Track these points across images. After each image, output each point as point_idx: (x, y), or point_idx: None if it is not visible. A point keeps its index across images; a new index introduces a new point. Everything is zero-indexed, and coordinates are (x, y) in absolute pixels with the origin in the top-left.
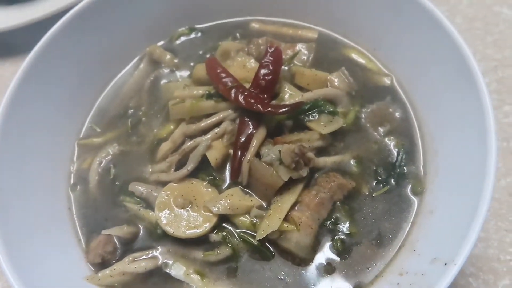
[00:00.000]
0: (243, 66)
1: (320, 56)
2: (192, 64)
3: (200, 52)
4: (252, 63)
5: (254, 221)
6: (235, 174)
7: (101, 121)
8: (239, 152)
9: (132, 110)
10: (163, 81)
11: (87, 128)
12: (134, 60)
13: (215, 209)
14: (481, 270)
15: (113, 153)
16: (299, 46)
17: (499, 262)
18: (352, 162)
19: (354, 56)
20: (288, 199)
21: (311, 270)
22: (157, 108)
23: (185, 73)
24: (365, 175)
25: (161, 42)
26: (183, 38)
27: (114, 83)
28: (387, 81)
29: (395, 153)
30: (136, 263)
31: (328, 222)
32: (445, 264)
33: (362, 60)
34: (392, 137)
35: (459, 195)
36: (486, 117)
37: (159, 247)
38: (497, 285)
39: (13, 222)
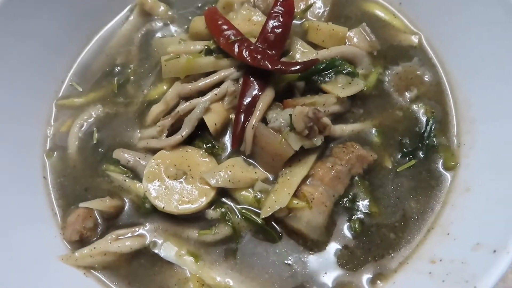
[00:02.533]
0: (248, 20)
1: (337, 10)
2: (189, 17)
3: (199, 5)
4: (259, 16)
5: (259, 196)
6: (237, 141)
7: (83, 79)
8: (242, 117)
9: (119, 68)
10: (155, 36)
11: (67, 87)
12: (124, 11)
13: (213, 182)
14: None
15: (97, 116)
16: None
17: None
18: (373, 131)
19: (377, 11)
20: (298, 172)
21: (324, 254)
22: (148, 66)
23: (180, 28)
24: (388, 146)
25: None
26: None
27: (99, 37)
28: (414, 40)
29: (424, 122)
30: (120, 242)
31: (345, 199)
32: (494, 251)
33: (385, 16)
34: (420, 104)
35: (502, 170)
36: None
37: (147, 224)
38: None
39: None
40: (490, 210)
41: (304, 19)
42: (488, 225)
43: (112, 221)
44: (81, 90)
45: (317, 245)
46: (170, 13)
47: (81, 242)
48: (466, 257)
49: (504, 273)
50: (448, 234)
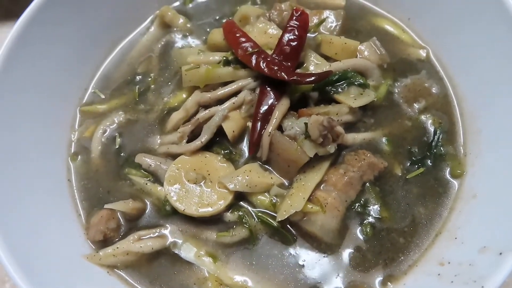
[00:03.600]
0: (264, 33)
1: (348, 25)
2: (207, 29)
3: (216, 17)
4: (274, 30)
5: (274, 200)
6: (254, 148)
7: (106, 86)
8: (259, 124)
9: (140, 76)
10: (175, 47)
11: (91, 94)
12: (145, 23)
13: (231, 186)
14: None
15: (119, 122)
16: (326, 13)
17: None
18: (383, 140)
19: (386, 26)
20: (312, 178)
21: (337, 257)
22: (167, 75)
23: (199, 39)
24: (398, 154)
25: (175, 4)
26: (197, 1)
27: (121, 47)
28: (422, 53)
29: (432, 132)
30: (142, 242)
31: (357, 204)
32: (500, 253)
33: (394, 31)
34: (428, 114)
35: (507, 179)
36: None
37: (167, 226)
38: None
39: (7, 194)
40: (495, 215)
41: (317, 33)
42: (494, 229)
43: (134, 223)
44: (104, 97)
45: (330, 248)
46: (189, 25)
47: (105, 242)
48: (473, 259)
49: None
50: (456, 238)
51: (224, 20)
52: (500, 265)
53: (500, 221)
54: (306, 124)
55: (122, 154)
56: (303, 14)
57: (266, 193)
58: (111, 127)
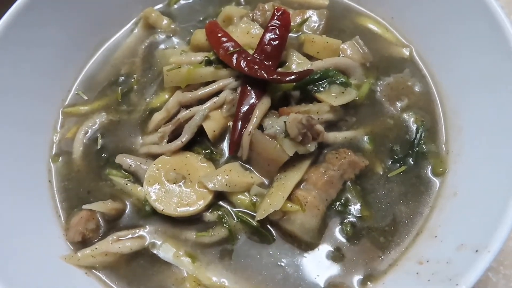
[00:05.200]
0: (247, 33)
1: (331, 24)
2: (191, 30)
3: (200, 18)
4: (257, 30)
5: (254, 200)
6: (235, 147)
7: (89, 88)
8: (240, 124)
9: (123, 77)
10: (159, 48)
11: (73, 96)
12: (129, 24)
13: (211, 186)
14: (502, 264)
15: (101, 123)
16: (309, 13)
17: None
18: (365, 138)
19: (370, 25)
20: (292, 177)
21: (316, 256)
22: (151, 76)
23: (182, 40)
24: (379, 153)
25: (158, 6)
26: (182, 2)
27: (105, 48)
28: (405, 52)
29: (414, 130)
30: (121, 243)
31: (337, 203)
32: (476, 251)
33: (378, 30)
34: (410, 113)
35: (487, 176)
36: None
37: (147, 226)
38: None
39: None
40: (474, 213)
41: (300, 32)
42: (472, 227)
43: (113, 223)
44: (87, 98)
45: (310, 247)
46: (172, 26)
47: (84, 243)
48: (451, 257)
49: (485, 271)
50: (436, 236)
51: (208, 21)
52: (475, 263)
53: (479, 218)
54: (285, 122)
55: (103, 155)
56: (285, 14)
57: (246, 193)
58: (93, 128)
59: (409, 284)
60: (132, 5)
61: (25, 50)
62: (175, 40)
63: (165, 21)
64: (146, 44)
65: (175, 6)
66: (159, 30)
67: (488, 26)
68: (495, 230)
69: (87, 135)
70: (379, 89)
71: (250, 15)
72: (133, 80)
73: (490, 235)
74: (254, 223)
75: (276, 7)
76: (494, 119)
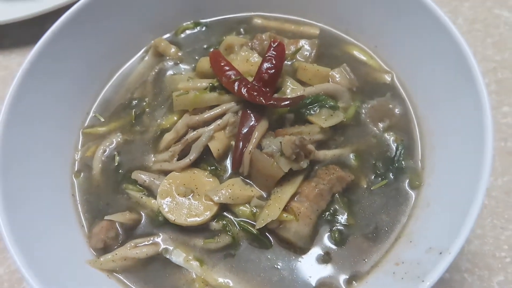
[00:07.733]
0: (247, 60)
1: (322, 52)
2: (196, 57)
3: (204, 46)
4: (256, 58)
5: (254, 210)
6: (237, 164)
7: (105, 111)
8: (241, 143)
9: (136, 101)
10: (167, 73)
11: (92, 118)
12: (140, 53)
13: (216, 198)
14: (477, 266)
15: (117, 142)
16: (302, 42)
17: (494, 258)
18: (351, 155)
19: (356, 53)
20: (288, 190)
21: (309, 260)
22: (161, 99)
23: (189, 66)
24: (364, 168)
25: (167, 35)
26: (188, 32)
27: (119, 74)
28: (387, 78)
29: (394, 148)
30: (138, 249)
31: (327, 213)
32: (440, 253)
33: (363, 57)
34: (391, 132)
35: (455, 190)
36: (484, 116)
37: (160, 234)
38: (491, 281)
39: (20, 208)
40: (443, 221)
41: (294, 60)
42: (439, 233)
43: (130, 232)
44: (103, 120)
45: (303, 252)
46: (179, 54)
47: (105, 249)
48: (421, 258)
49: (448, 278)
50: (411, 241)
51: (211, 49)
52: (438, 263)
53: (445, 225)
54: (281, 143)
55: (120, 171)
56: (280, 45)
57: (247, 204)
58: (110, 147)
59: (386, 282)
60: (143, 35)
61: (49, 79)
62: (182, 66)
63: (173, 49)
64: (156, 70)
65: (182, 35)
66: (167, 58)
67: (456, 58)
68: (455, 235)
69: (105, 153)
70: (364, 111)
71: (249, 44)
72: (145, 103)
73: (452, 239)
74: (254, 231)
75: (272, 39)
76: (459, 140)
